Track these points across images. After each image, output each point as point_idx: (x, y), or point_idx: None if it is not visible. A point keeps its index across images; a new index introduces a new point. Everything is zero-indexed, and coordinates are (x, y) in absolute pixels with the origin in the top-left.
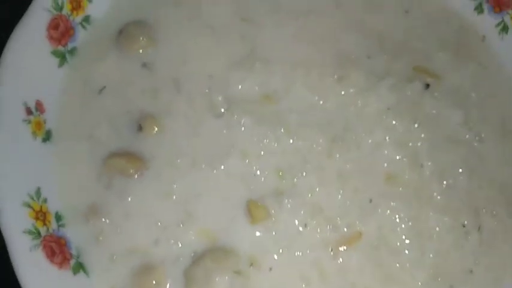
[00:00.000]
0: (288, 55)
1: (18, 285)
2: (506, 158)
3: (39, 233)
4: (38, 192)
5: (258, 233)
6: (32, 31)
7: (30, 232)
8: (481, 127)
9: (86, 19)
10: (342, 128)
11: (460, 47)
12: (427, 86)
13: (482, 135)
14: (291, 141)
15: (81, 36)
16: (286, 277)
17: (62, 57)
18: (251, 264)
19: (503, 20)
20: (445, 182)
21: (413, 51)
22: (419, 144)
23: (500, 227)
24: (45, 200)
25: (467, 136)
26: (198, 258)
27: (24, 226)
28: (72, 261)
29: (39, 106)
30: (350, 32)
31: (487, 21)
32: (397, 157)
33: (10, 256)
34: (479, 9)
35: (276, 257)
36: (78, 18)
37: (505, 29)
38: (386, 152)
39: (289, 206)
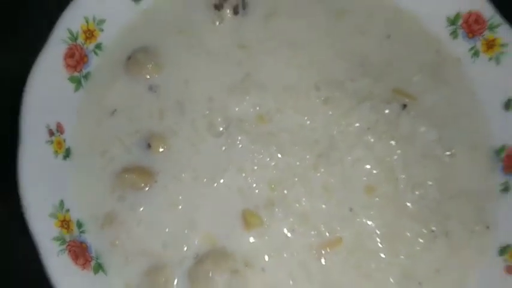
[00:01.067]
0: (280, 79)
1: (49, 284)
2: (474, 170)
3: (64, 240)
4: (62, 204)
5: (252, 238)
6: (51, 61)
7: (57, 239)
8: (452, 143)
9: (98, 46)
10: (327, 146)
11: (436, 70)
12: (404, 106)
13: (453, 151)
14: (282, 157)
15: (94, 61)
16: (277, 276)
17: (77, 82)
18: (246, 265)
19: (475, 45)
20: (417, 193)
21: (393, 74)
22: (395, 159)
23: (466, 232)
24: (67, 211)
25: (439, 152)
26: (200, 260)
27: (52, 234)
28: (93, 263)
29: (59, 127)
30: (336, 58)
31: (461, 46)
32: (375, 171)
33: (41, 260)
34: (454, 34)
35: (267, 258)
36: (91, 46)
37: (476, 53)
38: (365, 166)
39: (279, 214)
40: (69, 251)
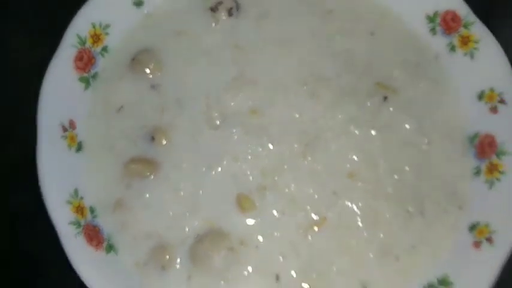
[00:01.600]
0: (271, 76)
1: (69, 263)
2: (449, 156)
3: (79, 224)
4: (76, 192)
5: (246, 220)
6: (62, 64)
7: (73, 223)
8: (430, 132)
9: (105, 49)
10: (313, 136)
11: (416, 64)
12: (385, 98)
13: (431, 139)
14: (273, 147)
15: (101, 63)
16: (268, 253)
17: (86, 82)
18: (241, 243)
19: (452, 41)
20: (395, 177)
21: (376, 69)
22: (375, 147)
23: (440, 212)
24: (81, 198)
25: (417, 140)
26: (200, 239)
27: (69, 219)
28: (105, 244)
29: (71, 124)
30: (323, 56)
31: (440, 42)
32: (357, 158)
33: (61, 242)
34: (433, 31)
35: (260, 237)
36: (98, 48)
37: (453, 48)
38: (348, 154)
39: (270, 198)
40: (84, 234)
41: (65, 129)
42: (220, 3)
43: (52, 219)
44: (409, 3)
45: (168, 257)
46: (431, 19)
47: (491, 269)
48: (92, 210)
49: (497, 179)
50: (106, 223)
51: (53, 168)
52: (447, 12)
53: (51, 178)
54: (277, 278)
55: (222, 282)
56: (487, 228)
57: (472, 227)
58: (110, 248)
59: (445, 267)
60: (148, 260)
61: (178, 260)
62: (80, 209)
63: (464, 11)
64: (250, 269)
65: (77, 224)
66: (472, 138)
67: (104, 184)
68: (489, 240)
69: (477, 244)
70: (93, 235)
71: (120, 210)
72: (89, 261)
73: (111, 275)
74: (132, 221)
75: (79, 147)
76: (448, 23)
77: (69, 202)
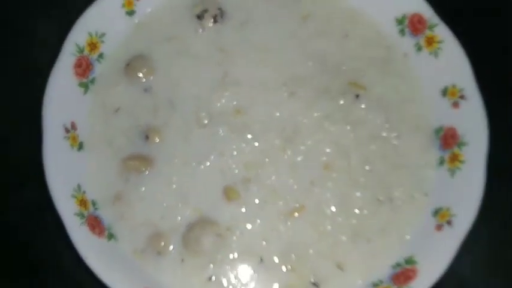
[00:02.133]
0: (253, 77)
1: (75, 250)
2: (416, 148)
3: (83, 215)
4: (79, 187)
5: (232, 209)
6: (63, 71)
7: (78, 214)
8: (398, 126)
9: (101, 55)
10: (292, 132)
11: (386, 63)
12: (357, 96)
13: (399, 132)
14: (255, 143)
15: (98, 69)
16: (252, 238)
17: (85, 87)
18: (228, 230)
19: (419, 42)
20: (367, 168)
21: (349, 69)
22: (348, 141)
23: (407, 199)
24: (84, 192)
25: (387, 133)
26: (191, 227)
27: (74, 211)
28: (106, 232)
29: (73, 125)
30: (300, 57)
31: (408, 42)
32: (332, 151)
33: (67, 231)
34: (402, 32)
35: (244, 224)
36: (94, 55)
37: (420, 48)
38: (324, 148)
39: (254, 189)
40: (88, 224)
41: (67, 130)
42: (205, 11)
43: (58, 211)
44: (380, 7)
45: (163, 243)
46: (399, 21)
47: (451, 249)
48: (94, 203)
49: (458, 168)
50: (106, 214)
51: (57, 166)
52: (414, 15)
53: (56, 175)
54: (261, 260)
55: (211, 264)
56: (448, 212)
57: (436, 212)
58: (111, 236)
59: (410, 248)
60: (146, 246)
61: (172, 246)
62: (83, 202)
63: (429, 14)
64: (236, 252)
65: (81, 215)
66: (437, 131)
67: (104, 179)
68: (449, 223)
69: (439, 227)
70: (96, 225)
71: (119, 203)
72: (92, 248)
73: (112, 260)
74: (130, 212)
75: (80, 147)
76: (415, 25)
77: (74, 196)
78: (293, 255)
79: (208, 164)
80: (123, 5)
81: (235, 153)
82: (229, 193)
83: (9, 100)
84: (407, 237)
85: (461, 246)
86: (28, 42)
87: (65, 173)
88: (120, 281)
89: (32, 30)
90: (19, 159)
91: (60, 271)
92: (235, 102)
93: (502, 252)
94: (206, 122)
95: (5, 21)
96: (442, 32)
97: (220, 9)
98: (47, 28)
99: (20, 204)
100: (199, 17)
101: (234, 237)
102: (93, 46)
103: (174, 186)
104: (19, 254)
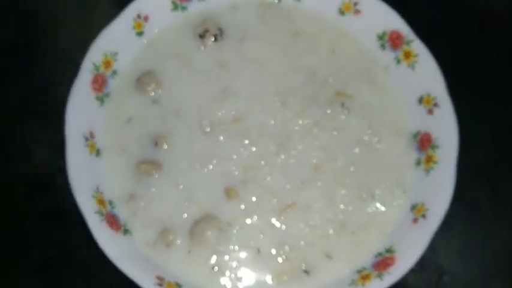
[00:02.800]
0: (250, 89)
1: (93, 245)
2: (396, 150)
3: (102, 213)
4: (97, 189)
5: (232, 206)
6: (82, 87)
7: (97, 212)
8: (380, 131)
9: (114, 72)
10: (285, 137)
11: (369, 75)
12: (343, 105)
13: (381, 137)
14: (252, 148)
15: (112, 84)
16: (250, 232)
17: (101, 100)
18: (229, 225)
19: (397, 55)
20: (351, 169)
21: (335, 80)
22: (335, 145)
23: (388, 195)
24: (102, 193)
25: (369, 138)
26: (196, 222)
27: (94, 209)
28: (122, 228)
29: (91, 134)
30: (292, 71)
31: (388, 56)
32: (320, 155)
33: (88, 227)
34: (383, 47)
35: (243, 220)
36: (108, 72)
37: (399, 61)
38: (313, 151)
39: (251, 188)
40: (106, 221)
41: (86, 139)
42: (207, 30)
43: (81, 210)
44: (363, 25)
45: (171, 237)
46: (380, 37)
47: (425, 239)
48: (110, 202)
49: (432, 168)
50: (122, 212)
51: (78, 170)
52: (393, 32)
53: (78, 178)
54: (258, 251)
55: (215, 255)
56: (423, 207)
57: (413, 207)
58: (126, 231)
59: (390, 239)
60: (156, 240)
61: (180, 239)
62: (101, 202)
63: (406, 31)
64: (236, 244)
65: (100, 213)
66: (415, 135)
67: (119, 181)
68: (424, 216)
69: (415, 220)
70: (113, 222)
71: (133, 202)
72: (111, 241)
73: (128, 251)
74: (142, 210)
75: (98, 153)
76: (394, 40)
77: (93, 196)
78: (286, 247)
79: (210, 167)
80: (133, 27)
81: (234, 157)
82: (229, 192)
83: (34, 112)
84: (388, 229)
85: (440, 237)
86: (52, 60)
87: (85, 177)
88: (135, 269)
89: (57, 49)
90: (43, 165)
91: (81, 265)
92: (234, 112)
93: (476, 242)
94: (208, 129)
95: (35, 41)
96: (418, 47)
97: (220, 29)
98: (68, 48)
99: (44, 205)
100: (201, 36)
101: (234, 231)
102: (107, 64)
103: (181, 187)
104: (44, 250)
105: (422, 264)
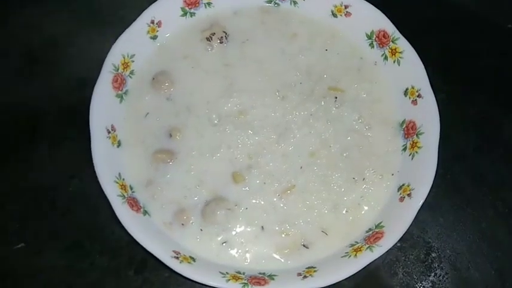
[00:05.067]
0: (252, 86)
1: (119, 222)
2: (384, 137)
3: (124, 196)
4: (120, 175)
5: (238, 189)
6: (103, 86)
7: (120, 196)
8: (370, 120)
9: (132, 72)
10: (284, 128)
11: (359, 70)
12: (336, 98)
13: (370, 126)
14: (255, 137)
15: (130, 83)
16: (255, 211)
17: (121, 98)
18: (236, 205)
19: (385, 52)
20: (344, 155)
21: (329, 76)
22: (329, 134)
23: (377, 178)
24: (123, 179)
25: (360, 127)
26: (207, 203)
27: (117, 193)
28: (142, 210)
29: (113, 128)
30: (290, 69)
31: (376, 53)
32: (316, 142)
33: (113, 208)
34: (371, 45)
35: (249, 201)
36: (127, 72)
37: (386, 57)
38: (310, 139)
39: (255, 173)
40: (128, 203)
41: (108, 132)
42: (213, 34)
43: (106, 193)
44: (353, 25)
45: (185, 217)
46: (369, 36)
47: (410, 215)
48: (131, 187)
49: (417, 152)
50: (141, 196)
51: (103, 159)
52: (380, 31)
53: (102, 166)
54: (262, 228)
55: (224, 232)
56: (408, 187)
57: (400, 188)
58: (145, 212)
59: (380, 217)
60: (172, 220)
61: (193, 219)
62: (123, 187)
63: (392, 30)
64: (243, 222)
65: (122, 196)
66: (401, 124)
67: (138, 169)
68: (409, 195)
69: (401, 199)
70: (134, 204)
71: (151, 187)
72: (132, 220)
73: (148, 230)
74: (159, 194)
75: (119, 144)
76: (381, 39)
77: (116, 182)
78: (287, 224)
79: (219, 155)
80: (148, 32)
81: (240, 145)
82: (236, 177)
83: (62, 109)
84: (378, 208)
85: (428, 218)
86: (77, 63)
87: (109, 165)
88: (155, 245)
89: (82, 52)
90: (72, 155)
91: (103, 243)
92: (238, 106)
93: (460, 221)
94: (216, 122)
95: (63, 45)
96: (403, 44)
97: (225, 32)
98: (90, 51)
99: (73, 190)
100: (208, 39)
101: (241, 211)
102: (125, 65)
103: (193, 173)
104: (73, 231)
105: (412, 242)
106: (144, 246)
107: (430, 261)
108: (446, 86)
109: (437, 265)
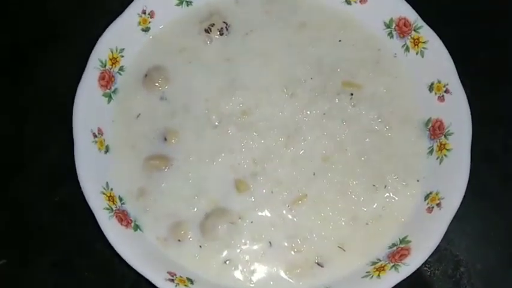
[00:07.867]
0: (257, 82)
1: (105, 239)
2: (407, 139)
3: (112, 209)
4: (107, 184)
5: (242, 199)
6: (89, 83)
7: (106, 209)
8: (389, 119)
9: (121, 68)
10: (293, 129)
11: (377, 63)
12: (351, 94)
13: (391, 126)
14: (261, 140)
15: (119, 80)
16: (261, 225)
17: (109, 97)
18: (239, 218)
19: (406, 43)
20: (362, 159)
21: (343, 70)
22: (344, 136)
23: (400, 185)
24: (111, 189)
25: (379, 127)
26: (207, 216)
27: (103, 205)
28: (132, 224)
29: (99, 131)
30: (298, 62)
31: (396, 44)
32: (330, 145)
33: (99, 223)
34: (390, 35)
35: (254, 212)
36: (115, 69)
37: (407, 49)
38: (322, 142)
39: (261, 181)
40: (116, 217)
41: (95, 136)
42: (212, 25)
43: (90, 206)
44: (369, 12)
45: (183, 232)
46: (387, 25)
47: (440, 228)
48: (121, 198)
49: (446, 156)
50: (132, 208)
51: (87, 167)
52: (400, 19)
53: (87, 175)
54: (270, 244)
55: (226, 249)
56: (437, 196)
57: (427, 196)
58: (137, 227)
59: (405, 230)
60: (168, 235)
61: (191, 234)
62: (111, 198)
63: (414, 17)
64: (248, 237)
65: (110, 209)
66: (426, 123)
67: (129, 177)
68: (438, 205)
69: (430, 209)
70: (123, 217)
71: (143, 198)
72: (121, 237)
73: (138, 247)
74: (152, 206)
75: (107, 150)
76: (401, 27)
77: (103, 193)
78: (298, 239)
79: (220, 160)
80: (139, 23)
81: (243, 149)
82: (239, 185)
83: (42, 110)
84: (402, 219)
85: (455, 227)
86: (58, 59)
87: (94, 173)
88: (146, 265)
89: (61, 49)
90: (53, 162)
91: (92, 258)
92: (242, 105)
93: (490, 230)
94: (217, 123)
95: (42, 40)
96: (427, 33)
97: (225, 22)
98: (73, 45)
99: (56, 201)
100: (207, 30)
101: (245, 224)
102: (114, 60)
103: (191, 181)
104: (54, 245)
105: (438, 255)
106: (134, 267)
107: (458, 276)
108: (469, 80)
109: (467, 281)
